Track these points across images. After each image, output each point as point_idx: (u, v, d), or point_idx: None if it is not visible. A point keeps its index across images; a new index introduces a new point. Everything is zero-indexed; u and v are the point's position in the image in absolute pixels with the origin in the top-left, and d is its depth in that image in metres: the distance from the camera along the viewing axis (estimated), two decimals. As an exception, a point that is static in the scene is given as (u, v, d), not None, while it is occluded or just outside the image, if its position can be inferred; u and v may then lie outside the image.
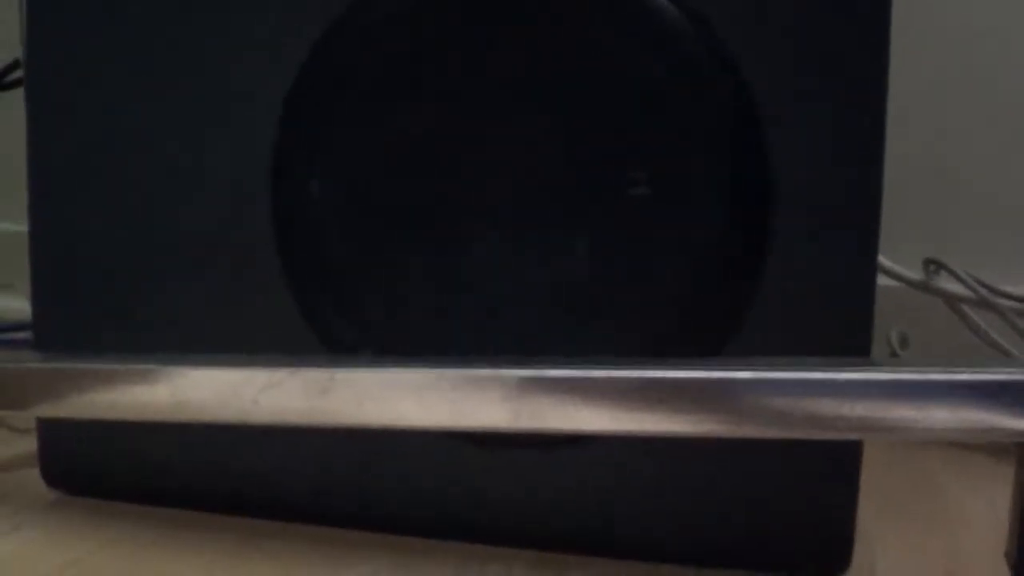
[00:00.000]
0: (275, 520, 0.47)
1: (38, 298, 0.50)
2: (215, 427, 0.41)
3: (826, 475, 0.42)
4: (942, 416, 0.34)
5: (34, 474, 0.50)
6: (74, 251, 0.49)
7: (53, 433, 0.50)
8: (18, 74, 0.65)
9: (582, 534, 0.45)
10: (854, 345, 0.42)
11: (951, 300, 0.68)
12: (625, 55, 0.43)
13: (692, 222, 0.43)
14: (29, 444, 0.52)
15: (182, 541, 0.45)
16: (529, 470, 0.45)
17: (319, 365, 0.38)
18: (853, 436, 0.37)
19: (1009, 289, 0.67)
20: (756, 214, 0.42)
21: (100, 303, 0.48)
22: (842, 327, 0.42)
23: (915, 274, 0.69)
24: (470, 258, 0.45)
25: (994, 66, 0.80)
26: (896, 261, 0.68)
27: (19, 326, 0.68)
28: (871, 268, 0.42)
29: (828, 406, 0.35)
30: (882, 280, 0.46)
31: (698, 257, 0.43)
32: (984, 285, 0.67)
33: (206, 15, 0.46)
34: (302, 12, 0.45)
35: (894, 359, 0.67)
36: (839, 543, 0.43)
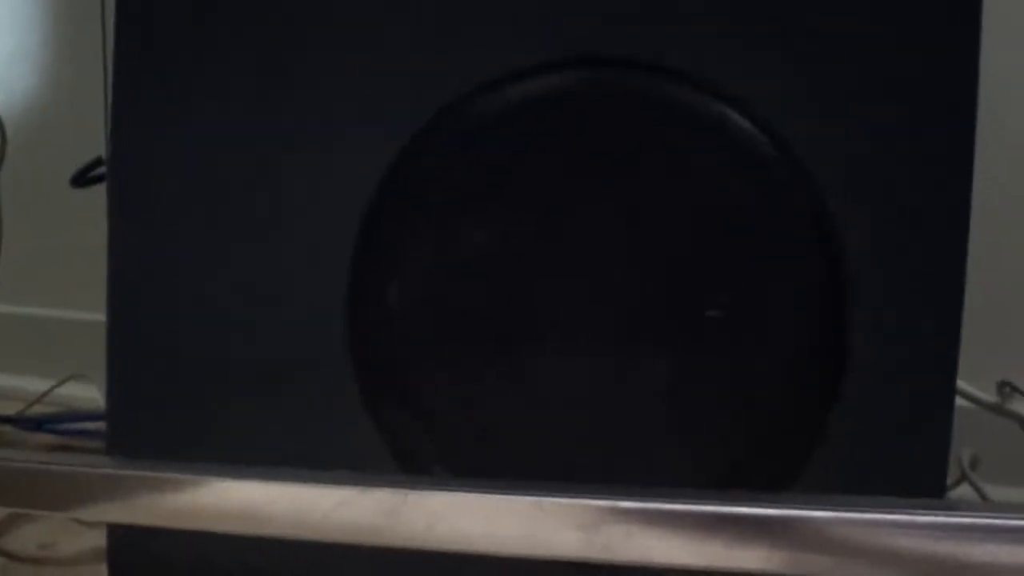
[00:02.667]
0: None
1: (113, 394, 0.50)
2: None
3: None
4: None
5: (101, 570, 0.51)
6: (151, 353, 0.49)
7: (122, 531, 0.50)
8: (100, 170, 0.67)
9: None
10: (929, 473, 0.41)
11: (1025, 423, 0.67)
12: (710, 177, 0.43)
13: (769, 346, 0.43)
14: (97, 539, 0.53)
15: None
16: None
17: (392, 485, 0.38)
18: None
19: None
20: (832, 342, 0.42)
21: (172, 404, 0.49)
22: (919, 454, 0.41)
23: (989, 396, 0.68)
24: (548, 373, 0.45)
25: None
26: (969, 382, 0.67)
27: (92, 416, 0.69)
28: (949, 401, 0.42)
29: (903, 547, 0.34)
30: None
31: (773, 383, 0.43)
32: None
33: (283, 128, 0.47)
34: (382, 124, 0.45)
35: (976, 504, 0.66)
36: None
